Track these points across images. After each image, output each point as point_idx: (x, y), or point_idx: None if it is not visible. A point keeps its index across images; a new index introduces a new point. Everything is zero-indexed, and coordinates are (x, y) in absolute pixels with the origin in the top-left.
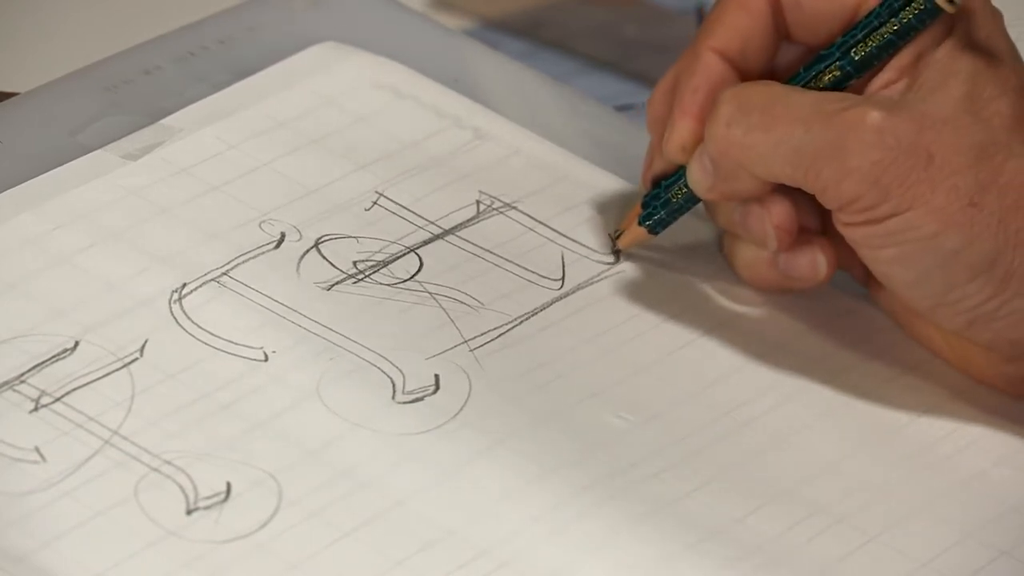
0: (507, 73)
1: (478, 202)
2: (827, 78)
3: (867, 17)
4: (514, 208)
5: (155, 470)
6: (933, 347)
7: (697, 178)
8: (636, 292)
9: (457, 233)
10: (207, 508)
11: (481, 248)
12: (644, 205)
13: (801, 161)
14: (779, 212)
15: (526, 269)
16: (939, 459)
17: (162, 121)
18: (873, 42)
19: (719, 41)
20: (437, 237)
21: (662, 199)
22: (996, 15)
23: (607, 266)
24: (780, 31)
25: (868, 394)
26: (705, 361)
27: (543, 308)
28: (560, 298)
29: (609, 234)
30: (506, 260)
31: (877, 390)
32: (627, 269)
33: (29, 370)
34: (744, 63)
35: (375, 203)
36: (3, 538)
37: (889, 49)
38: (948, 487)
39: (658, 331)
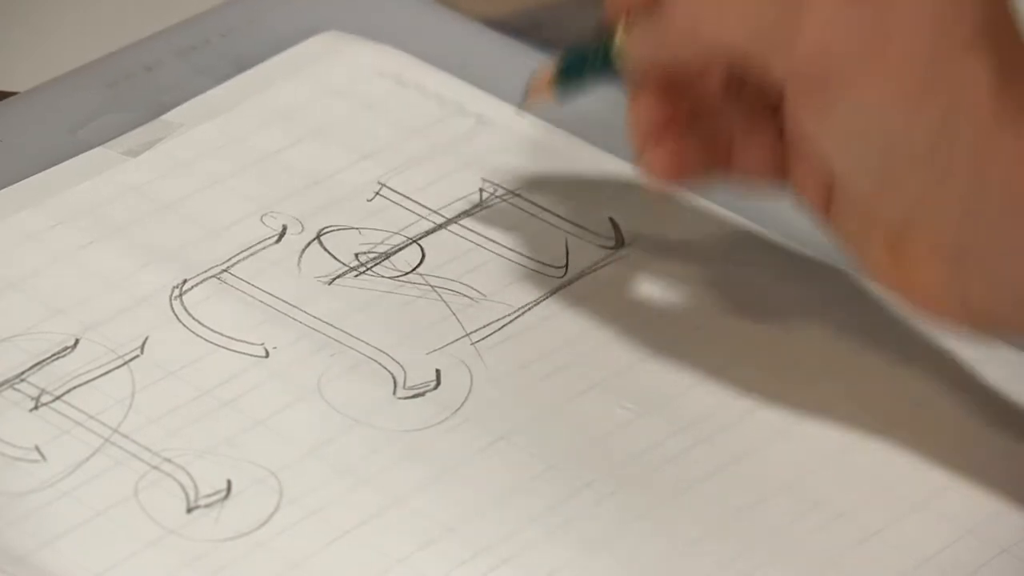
0: (510, 59)
1: (481, 190)
2: None
3: None
4: (517, 195)
5: (155, 468)
6: (881, 273)
7: (636, 45)
8: (640, 279)
9: (460, 222)
10: (207, 506)
11: (484, 237)
12: (561, 61)
13: (756, 31)
14: (641, 101)
15: (529, 258)
16: (939, 453)
17: (163, 116)
18: None
19: None
20: (439, 227)
21: (579, 58)
22: None
23: (610, 251)
24: None
25: (870, 386)
26: (709, 349)
27: (545, 298)
28: (563, 286)
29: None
30: (509, 249)
31: (879, 382)
32: (631, 255)
33: (29, 368)
34: None
35: (377, 193)
36: (3, 538)
37: None
38: (949, 483)
39: (662, 319)
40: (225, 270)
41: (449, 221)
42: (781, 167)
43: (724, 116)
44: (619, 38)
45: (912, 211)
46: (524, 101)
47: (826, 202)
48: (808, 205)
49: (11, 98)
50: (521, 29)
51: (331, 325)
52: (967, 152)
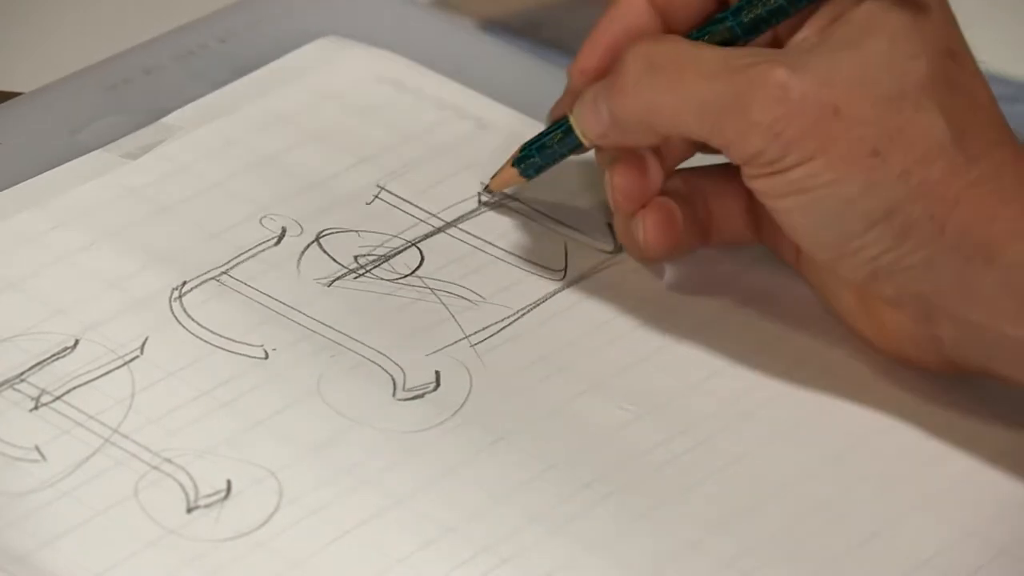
0: (509, 63)
1: (480, 194)
2: (717, 39)
3: None
4: (516, 199)
5: (155, 468)
6: (852, 319)
7: (589, 124)
8: (638, 281)
9: (459, 225)
10: (207, 506)
11: (483, 240)
12: (522, 148)
13: (707, 117)
14: (620, 173)
15: (528, 261)
16: (939, 455)
17: (163, 119)
18: (761, 7)
19: None
20: (439, 230)
21: (539, 143)
22: None
23: (609, 255)
24: None
25: (870, 386)
26: (708, 350)
27: (544, 300)
28: (562, 289)
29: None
30: (507, 252)
31: (879, 382)
32: (629, 260)
33: (29, 368)
34: (670, 10)
35: (376, 196)
36: (3, 538)
37: (780, 16)
38: (949, 484)
39: (661, 320)
40: (224, 272)
41: (448, 224)
42: (754, 224)
43: (696, 183)
44: (576, 115)
45: (875, 268)
46: (487, 188)
47: (796, 256)
48: (781, 258)
49: (11, 100)
50: (521, 29)
51: (330, 327)
52: (925, 208)
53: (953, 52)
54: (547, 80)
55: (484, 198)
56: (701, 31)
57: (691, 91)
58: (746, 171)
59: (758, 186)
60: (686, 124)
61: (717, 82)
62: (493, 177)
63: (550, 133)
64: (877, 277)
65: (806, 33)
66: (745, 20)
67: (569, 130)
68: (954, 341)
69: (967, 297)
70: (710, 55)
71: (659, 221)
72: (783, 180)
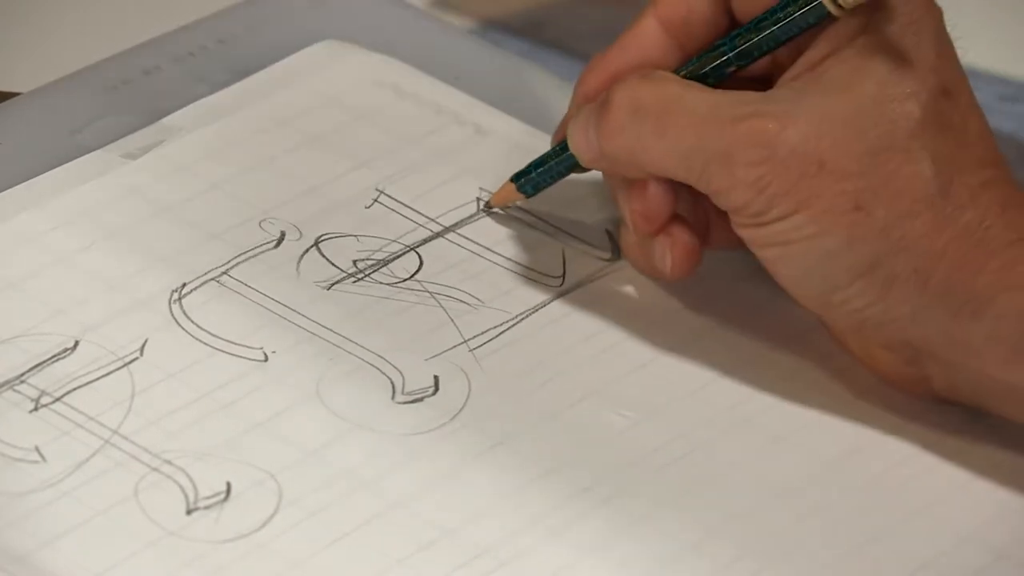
0: (507, 69)
1: (478, 199)
2: (711, 66)
3: (769, 11)
4: (514, 204)
5: (155, 470)
6: (846, 347)
7: (581, 150)
8: (637, 289)
9: (457, 231)
10: (207, 508)
11: (481, 246)
12: (525, 167)
13: (692, 165)
14: (638, 197)
15: (526, 267)
16: (937, 461)
17: (162, 120)
18: (755, 35)
19: (664, 10)
20: (437, 235)
21: (538, 161)
22: (930, 13)
23: (607, 262)
24: (726, 11)
25: (868, 393)
26: (706, 358)
27: (543, 306)
28: (560, 295)
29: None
30: (506, 258)
31: (877, 389)
32: (628, 266)
33: (29, 370)
34: (686, 35)
35: (375, 201)
36: (3, 538)
37: (772, 44)
38: (948, 488)
39: (658, 328)
40: (224, 273)
41: (447, 229)
42: None
43: (698, 191)
44: (569, 138)
45: (861, 319)
46: (488, 204)
47: None
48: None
49: (11, 100)
50: (522, 29)
51: (330, 330)
52: (909, 261)
53: (947, 90)
54: (545, 85)
55: (485, 211)
56: (699, 57)
57: (677, 139)
58: (733, 219)
59: (744, 235)
60: (672, 170)
61: (703, 133)
62: (494, 195)
63: (552, 150)
64: (864, 327)
65: (799, 70)
66: (740, 48)
67: (568, 149)
68: (944, 381)
69: (954, 346)
70: (698, 101)
71: (687, 253)
72: (768, 231)
